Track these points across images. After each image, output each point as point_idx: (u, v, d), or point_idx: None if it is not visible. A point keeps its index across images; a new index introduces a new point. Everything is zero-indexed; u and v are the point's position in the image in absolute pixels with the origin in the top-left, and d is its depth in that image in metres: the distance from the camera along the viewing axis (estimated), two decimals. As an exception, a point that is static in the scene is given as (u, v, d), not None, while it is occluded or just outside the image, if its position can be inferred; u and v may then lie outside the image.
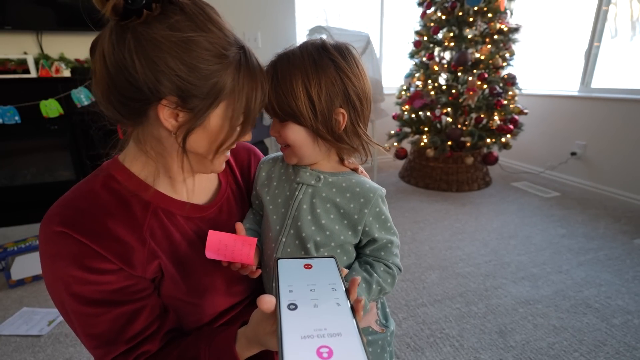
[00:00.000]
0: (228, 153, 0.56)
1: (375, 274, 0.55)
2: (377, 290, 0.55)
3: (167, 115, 0.46)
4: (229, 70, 0.46)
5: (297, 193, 0.56)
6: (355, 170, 0.60)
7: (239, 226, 0.55)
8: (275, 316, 0.36)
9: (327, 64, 0.51)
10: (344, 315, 0.33)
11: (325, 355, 0.28)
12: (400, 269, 0.59)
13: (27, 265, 1.66)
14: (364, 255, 0.59)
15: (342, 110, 0.52)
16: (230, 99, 0.47)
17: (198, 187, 0.60)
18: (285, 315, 0.32)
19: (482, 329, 1.33)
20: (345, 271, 0.41)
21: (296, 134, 0.54)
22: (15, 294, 1.59)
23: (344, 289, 0.36)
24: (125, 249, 0.49)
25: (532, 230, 2.11)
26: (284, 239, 0.56)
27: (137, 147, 0.51)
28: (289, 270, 0.38)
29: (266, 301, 0.36)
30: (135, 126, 0.49)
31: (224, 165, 0.57)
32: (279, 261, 0.39)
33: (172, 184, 0.56)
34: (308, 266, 0.39)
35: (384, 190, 0.58)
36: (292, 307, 0.33)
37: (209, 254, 0.51)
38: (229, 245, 0.52)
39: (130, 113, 0.47)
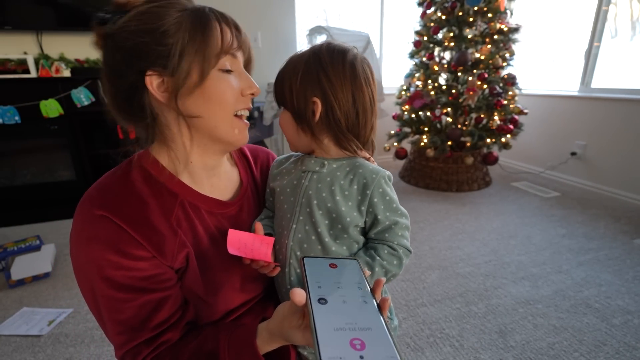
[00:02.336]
0: (246, 120, 0.57)
1: (378, 257, 0.56)
2: (381, 272, 0.56)
3: (156, 87, 0.48)
4: (186, 22, 0.48)
5: (303, 180, 0.59)
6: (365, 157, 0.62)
7: (258, 225, 0.57)
8: (304, 310, 0.38)
9: (312, 58, 0.56)
10: (371, 312, 0.34)
11: (358, 346, 0.29)
12: (409, 250, 0.59)
13: (27, 265, 1.66)
14: (369, 240, 0.60)
15: (316, 99, 0.55)
16: (195, 47, 0.48)
17: (220, 184, 0.62)
18: (317, 308, 0.33)
19: (482, 329, 1.33)
20: (368, 273, 0.43)
21: (283, 118, 0.60)
22: (15, 294, 1.59)
23: (369, 288, 0.38)
24: (159, 237, 0.50)
25: (532, 230, 2.11)
26: (294, 226, 0.58)
27: (158, 141, 0.55)
28: (315, 268, 0.39)
29: (298, 293, 0.37)
30: (150, 122, 0.52)
31: (245, 136, 0.57)
32: (305, 259, 0.41)
33: (192, 175, 0.57)
34: (333, 265, 0.41)
35: (388, 173, 0.59)
36: (323, 301, 0.34)
37: (231, 250, 0.52)
38: (248, 244, 0.53)
39: (136, 110, 0.50)
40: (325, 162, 0.59)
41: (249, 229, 0.57)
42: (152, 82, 0.48)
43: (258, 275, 0.59)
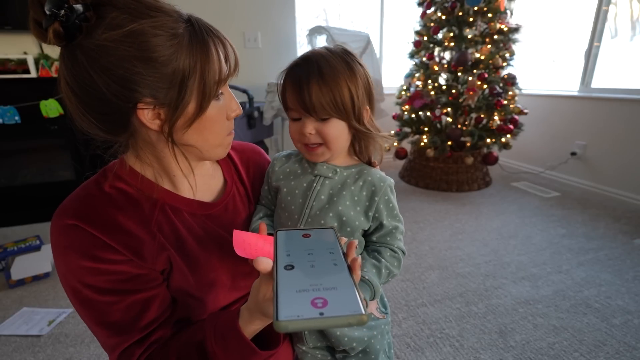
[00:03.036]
0: (232, 132, 0.56)
1: (383, 260, 0.60)
2: (386, 273, 0.59)
3: (149, 118, 0.46)
4: (183, 50, 0.44)
5: (315, 185, 0.60)
6: (370, 164, 0.65)
7: (263, 225, 0.56)
8: (272, 278, 0.37)
9: (358, 67, 0.57)
10: (340, 273, 0.33)
11: (319, 304, 0.28)
12: (404, 252, 0.63)
13: (27, 265, 1.66)
14: (371, 243, 0.63)
15: (367, 107, 0.59)
16: (195, 78, 0.45)
17: (204, 185, 0.61)
18: (282, 274, 0.33)
19: (482, 329, 1.33)
20: (344, 239, 0.42)
21: (338, 129, 0.57)
22: (15, 294, 1.59)
23: (341, 252, 0.37)
24: (135, 241, 0.50)
25: (532, 230, 2.11)
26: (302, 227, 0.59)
27: (136, 153, 0.53)
28: (287, 239, 0.39)
29: (262, 262, 0.37)
30: (128, 138, 0.50)
31: (229, 148, 0.57)
32: (278, 232, 0.40)
33: (175, 182, 0.57)
34: (307, 235, 0.40)
35: (392, 181, 0.63)
36: (289, 267, 0.33)
37: (238, 251, 0.52)
38: (252, 244, 0.53)
39: (116, 127, 0.48)
40: (338, 170, 0.61)
41: (238, 228, 0.56)
42: (145, 113, 0.45)
43: (249, 271, 0.59)
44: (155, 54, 0.42)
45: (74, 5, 0.40)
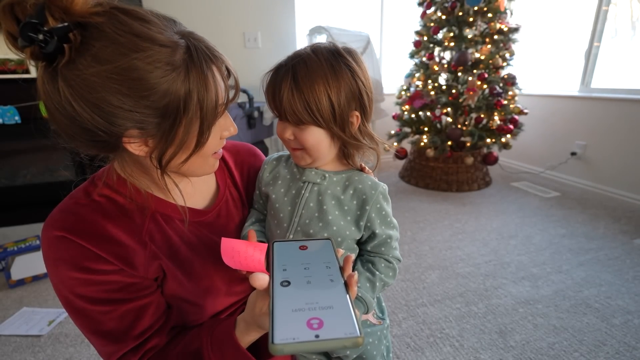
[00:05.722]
0: (220, 151, 0.55)
1: (377, 272, 0.58)
2: (380, 286, 0.58)
3: (135, 147, 0.45)
4: (179, 83, 0.41)
5: (303, 191, 0.58)
6: (362, 169, 0.62)
7: (252, 233, 0.54)
8: (268, 294, 0.37)
9: (344, 69, 0.52)
10: (336, 290, 0.33)
11: (315, 326, 0.29)
12: (399, 260, 0.61)
13: (27, 265, 1.66)
14: (366, 253, 0.61)
15: (356, 112, 0.55)
16: (192, 109, 0.44)
17: (196, 191, 0.61)
18: (278, 291, 0.33)
19: (482, 329, 1.33)
20: (342, 251, 0.41)
21: (316, 136, 0.54)
22: (15, 294, 1.59)
23: (338, 266, 0.37)
24: (126, 251, 0.49)
25: (532, 230, 2.11)
26: (291, 236, 0.58)
27: (123, 163, 0.52)
28: (284, 252, 0.39)
29: (258, 278, 0.37)
30: (115, 155, 0.50)
31: (216, 166, 0.56)
32: (275, 244, 0.40)
33: (162, 188, 0.55)
34: (303, 247, 0.40)
35: (385, 187, 0.59)
36: (285, 284, 0.34)
37: (227, 260, 0.51)
38: (241, 252, 0.52)
39: (102, 149, 0.47)
40: (326, 175, 0.58)
41: (232, 234, 0.56)
42: (132, 143, 0.44)
43: (244, 276, 0.58)
44: (148, 91, 0.40)
45: (54, 27, 0.36)
